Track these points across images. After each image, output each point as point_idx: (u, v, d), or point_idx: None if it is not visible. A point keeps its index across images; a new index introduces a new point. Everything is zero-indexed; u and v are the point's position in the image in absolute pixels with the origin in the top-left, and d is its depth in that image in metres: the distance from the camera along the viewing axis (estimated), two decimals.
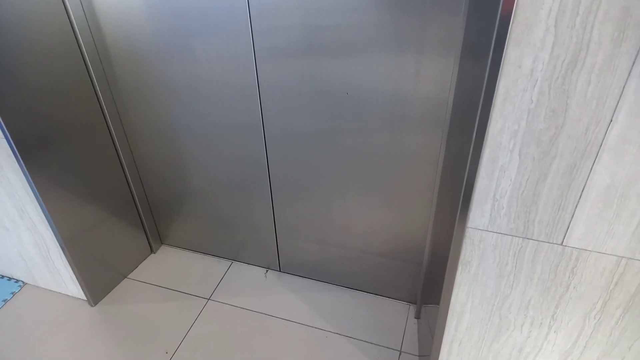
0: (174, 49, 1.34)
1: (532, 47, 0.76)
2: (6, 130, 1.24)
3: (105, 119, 1.53)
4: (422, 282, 1.55)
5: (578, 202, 0.87)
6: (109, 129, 1.56)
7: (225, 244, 1.82)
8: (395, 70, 1.16)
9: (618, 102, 0.76)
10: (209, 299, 1.67)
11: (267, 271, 1.80)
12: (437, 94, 1.16)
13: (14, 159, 1.31)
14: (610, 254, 0.90)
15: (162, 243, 1.96)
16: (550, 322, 1.06)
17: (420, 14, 1.06)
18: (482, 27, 0.86)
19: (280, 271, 1.80)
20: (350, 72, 1.20)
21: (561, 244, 0.93)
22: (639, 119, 0.76)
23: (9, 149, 1.29)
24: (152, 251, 1.91)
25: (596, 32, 0.72)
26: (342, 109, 1.27)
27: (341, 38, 1.15)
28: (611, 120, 0.77)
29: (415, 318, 1.62)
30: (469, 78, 0.96)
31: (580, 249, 0.92)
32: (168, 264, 1.85)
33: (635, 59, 0.72)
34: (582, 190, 0.86)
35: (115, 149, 1.61)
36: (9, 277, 1.79)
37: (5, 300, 1.69)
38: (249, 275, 1.78)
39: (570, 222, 0.90)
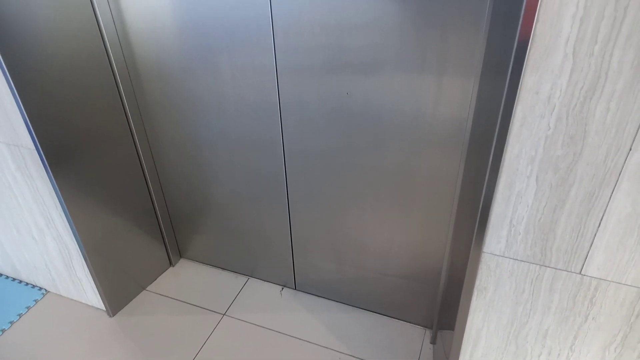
0: (200, 65, 1.38)
1: (550, 74, 0.76)
2: (37, 141, 1.29)
3: (131, 132, 1.58)
4: (439, 306, 1.53)
5: (597, 230, 0.85)
6: (134, 143, 1.61)
7: (243, 260, 1.84)
8: (416, 90, 1.17)
9: (638, 130, 0.75)
10: (224, 314, 1.68)
11: (282, 289, 1.80)
12: (456, 115, 1.17)
13: (43, 168, 1.36)
14: (631, 285, 0.88)
15: (181, 256, 1.99)
16: (568, 353, 1.02)
17: (441, 35, 1.07)
18: (501, 51, 0.87)
19: (296, 289, 1.80)
20: (370, 91, 1.21)
21: (580, 272, 0.91)
22: None
23: (39, 159, 1.34)
24: (171, 264, 1.94)
25: (615, 60, 0.71)
26: (362, 128, 1.28)
27: (362, 58, 1.17)
28: (630, 148, 0.76)
29: (430, 343, 1.59)
30: (488, 101, 0.96)
31: (600, 278, 0.90)
32: (186, 277, 1.88)
33: None
34: (602, 218, 0.84)
35: (140, 162, 1.65)
36: (33, 285, 1.84)
37: (28, 307, 1.74)
38: (264, 292, 1.79)
39: (589, 251, 0.88)
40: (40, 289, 1.83)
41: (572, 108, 0.77)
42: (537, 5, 0.72)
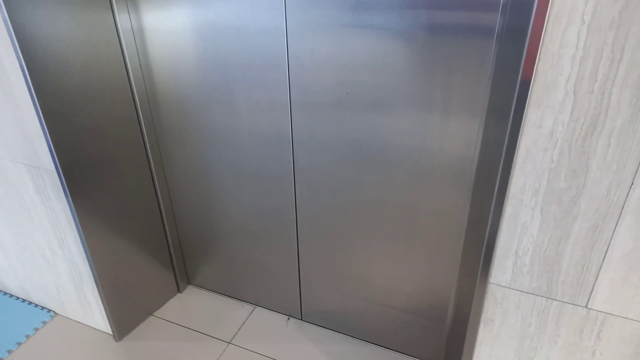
0: (217, 100, 1.44)
1: (552, 110, 0.79)
2: (58, 163, 1.34)
3: (148, 161, 1.64)
4: (445, 341, 1.51)
5: (602, 264, 0.87)
6: (150, 171, 1.66)
7: (250, 289, 1.85)
8: (424, 128, 1.21)
9: (639, 167, 0.77)
10: (229, 343, 1.67)
11: (288, 319, 1.80)
12: (462, 153, 1.20)
13: (62, 190, 1.41)
14: (637, 320, 0.88)
15: (189, 283, 2.00)
16: None
17: (449, 76, 1.11)
18: (505, 89, 0.91)
19: (301, 320, 1.79)
20: (379, 128, 1.25)
21: (585, 306, 0.91)
22: None
23: (59, 180, 1.39)
24: (178, 290, 1.95)
25: (615, 98, 0.75)
26: (370, 164, 1.32)
27: (373, 95, 1.22)
28: (632, 184, 0.79)
29: None
30: (493, 137, 1.00)
31: (606, 312, 0.90)
32: (193, 304, 1.88)
33: None
34: (606, 253, 0.86)
35: (155, 190, 1.70)
36: (42, 307, 1.86)
37: (35, 329, 1.75)
38: (270, 322, 1.79)
39: (594, 285, 0.89)
40: (49, 311, 1.84)
41: (574, 142, 0.80)
42: (538, 46, 0.77)
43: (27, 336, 1.71)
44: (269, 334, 1.72)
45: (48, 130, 1.29)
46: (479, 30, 1.03)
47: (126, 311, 1.71)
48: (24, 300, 1.90)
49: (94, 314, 1.70)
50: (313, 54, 1.23)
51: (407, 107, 1.20)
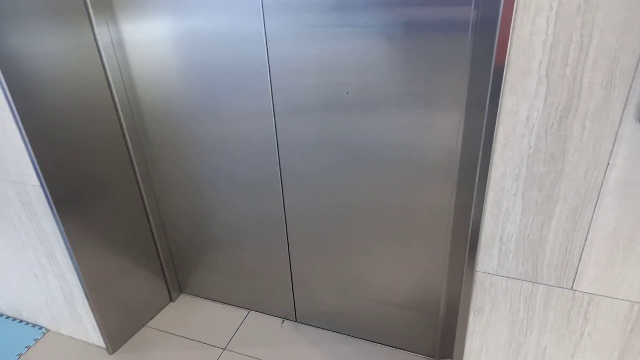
0: (201, 108, 1.44)
1: (527, 96, 0.81)
2: (43, 181, 1.33)
3: (135, 173, 1.63)
4: (440, 334, 1.52)
5: (584, 245, 0.88)
6: (137, 183, 1.65)
7: (243, 294, 1.84)
8: (409, 124, 1.21)
9: (613, 146, 0.79)
10: (224, 349, 1.67)
11: (283, 321, 1.80)
12: (447, 146, 1.21)
13: (48, 207, 1.40)
14: (623, 299, 0.90)
15: (181, 292, 1.99)
16: None
17: (430, 71, 1.12)
18: (482, 80, 0.92)
19: (296, 321, 1.79)
20: (365, 127, 1.26)
21: (571, 288, 0.93)
22: (637, 161, 0.79)
23: (44, 197, 1.38)
24: (171, 300, 1.94)
25: (586, 81, 0.77)
26: (359, 162, 1.33)
27: (356, 95, 1.23)
28: (608, 164, 0.80)
29: None
30: (473, 127, 1.01)
31: (592, 293, 0.92)
32: (186, 312, 1.87)
33: (625, 104, 0.76)
34: (587, 234, 0.87)
35: (143, 202, 1.69)
36: (34, 324, 1.84)
37: (27, 347, 1.73)
38: (265, 325, 1.78)
39: (578, 266, 0.90)
40: (41, 327, 1.82)
41: (550, 127, 0.81)
42: (509, 34, 0.78)
43: (19, 355, 1.69)
44: (265, 337, 1.72)
45: (32, 147, 1.29)
46: (454, 24, 1.04)
47: (119, 323, 1.70)
48: (14, 319, 1.88)
49: (86, 328, 1.69)
50: (295, 57, 1.23)
51: (391, 104, 1.21)
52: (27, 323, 1.85)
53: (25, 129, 1.26)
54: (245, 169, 1.50)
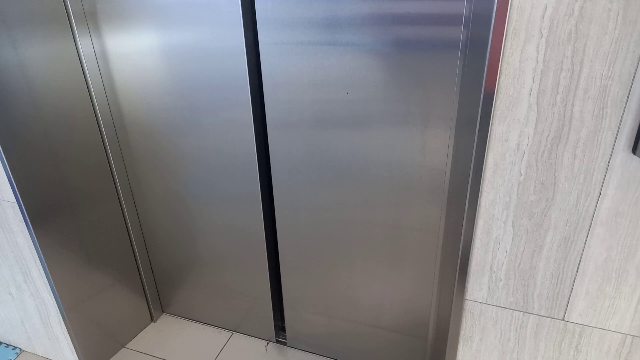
0: (185, 122, 1.41)
1: (517, 123, 0.79)
2: (19, 197, 1.29)
3: (116, 188, 1.58)
4: (429, 358, 1.49)
5: (576, 275, 0.86)
6: (119, 199, 1.60)
7: (227, 315, 1.79)
8: (399, 142, 1.19)
9: (605, 176, 0.77)
10: None
11: (267, 344, 1.75)
12: (436, 166, 1.19)
13: (24, 224, 1.35)
14: (614, 331, 0.87)
15: (163, 311, 1.93)
16: None
17: (420, 89, 1.11)
18: (471, 102, 0.91)
19: (282, 344, 1.74)
20: (356, 144, 1.24)
21: (563, 319, 0.90)
22: (628, 192, 0.77)
23: (20, 214, 1.33)
24: (152, 320, 1.88)
25: (577, 110, 0.75)
26: (349, 180, 1.30)
27: (348, 112, 1.20)
28: (600, 194, 0.78)
29: None
30: (462, 150, 0.99)
31: (583, 325, 0.89)
32: (168, 333, 1.81)
33: (617, 134, 0.74)
34: (579, 264, 0.85)
35: (124, 218, 1.64)
36: (7, 344, 1.77)
37: None
38: (248, 348, 1.73)
39: (569, 297, 0.88)
40: (15, 347, 1.75)
41: (541, 155, 0.80)
42: (499, 60, 0.76)
43: None
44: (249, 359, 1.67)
45: (7, 160, 1.24)
46: (444, 43, 1.03)
47: (97, 344, 1.64)
48: None
49: (62, 348, 1.62)
50: (286, 72, 1.21)
51: (381, 122, 1.19)
52: (0, 343, 1.78)
53: (2, 143, 1.22)
54: (227, 183, 1.46)
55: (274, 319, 1.69)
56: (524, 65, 0.75)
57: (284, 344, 1.74)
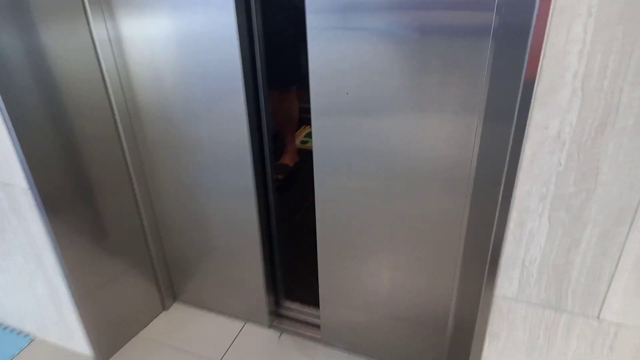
0: (201, 111, 1.37)
1: (558, 109, 0.74)
2: (33, 181, 1.26)
3: (129, 177, 1.55)
4: (447, 353, 1.45)
5: (614, 272, 0.82)
6: (132, 186, 1.57)
7: (240, 304, 1.77)
8: (421, 130, 1.15)
9: None
10: None
11: (281, 334, 1.73)
12: (460, 156, 1.14)
13: (37, 210, 1.32)
14: None
15: (175, 300, 1.91)
16: None
17: (444, 77, 1.06)
18: (505, 90, 0.86)
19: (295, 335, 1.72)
20: (377, 133, 1.19)
21: (597, 317, 0.86)
22: None
23: (34, 200, 1.31)
24: (164, 308, 1.86)
25: (626, 96, 0.70)
26: (373, 171, 1.25)
27: (368, 101, 1.15)
28: None
29: None
30: (494, 139, 0.95)
31: (619, 323, 0.85)
32: (180, 322, 1.80)
33: None
34: (619, 259, 0.80)
35: (137, 206, 1.61)
36: (19, 331, 1.76)
37: (12, 356, 1.65)
38: (262, 338, 1.71)
39: (606, 294, 0.84)
40: (27, 335, 1.74)
41: (583, 144, 0.75)
42: (542, 43, 0.71)
43: None
44: (261, 350, 1.65)
45: (21, 147, 1.21)
46: (472, 29, 0.98)
47: (109, 332, 1.62)
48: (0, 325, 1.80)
49: (74, 336, 1.61)
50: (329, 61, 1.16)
51: (397, 110, 1.14)
52: (12, 330, 1.77)
53: (15, 128, 1.19)
54: (245, 175, 1.43)
55: (267, 305, 1.67)
56: (569, 47, 0.70)
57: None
